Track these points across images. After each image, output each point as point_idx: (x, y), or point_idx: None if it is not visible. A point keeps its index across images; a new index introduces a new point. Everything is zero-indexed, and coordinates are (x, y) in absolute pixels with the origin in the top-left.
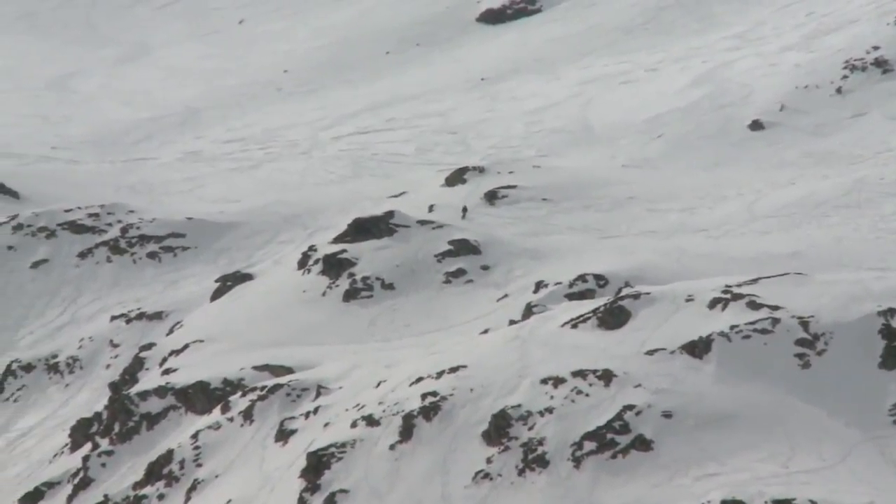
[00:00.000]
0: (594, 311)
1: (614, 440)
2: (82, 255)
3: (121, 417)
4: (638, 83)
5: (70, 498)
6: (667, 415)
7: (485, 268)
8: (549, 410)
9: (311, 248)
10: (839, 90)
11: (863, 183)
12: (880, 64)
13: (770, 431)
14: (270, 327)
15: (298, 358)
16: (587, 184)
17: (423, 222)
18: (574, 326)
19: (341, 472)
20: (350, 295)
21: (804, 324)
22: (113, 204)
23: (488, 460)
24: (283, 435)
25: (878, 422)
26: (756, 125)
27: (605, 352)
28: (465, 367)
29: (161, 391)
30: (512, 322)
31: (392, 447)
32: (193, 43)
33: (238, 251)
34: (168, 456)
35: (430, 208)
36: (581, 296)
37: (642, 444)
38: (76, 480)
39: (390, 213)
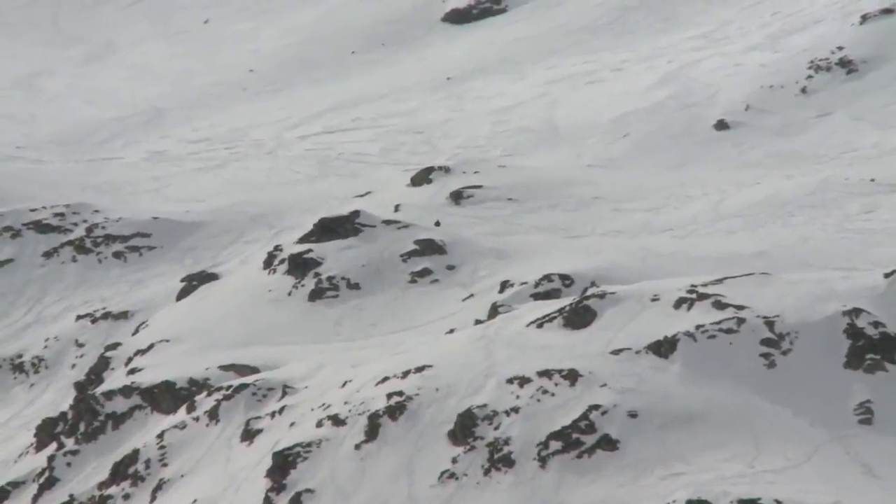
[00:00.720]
0: (560, 311)
1: (580, 440)
2: (47, 254)
3: (86, 417)
4: (603, 83)
5: (35, 497)
6: (632, 414)
7: (450, 267)
8: (515, 410)
9: (277, 248)
10: (804, 90)
11: (828, 183)
12: (845, 64)
13: (735, 431)
14: (236, 327)
15: (264, 358)
16: (553, 183)
17: (388, 222)
18: (540, 326)
19: (307, 471)
20: (316, 294)
21: (769, 323)
22: (78, 203)
23: (454, 460)
24: (249, 435)
25: (844, 421)
26: (721, 125)
27: (571, 351)
28: (430, 366)
29: (126, 391)
30: (478, 322)
31: (358, 447)
32: (159, 42)
33: (204, 251)
34: (133, 456)
35: (396, 208)
36: (547, 295)
37: (608, 443)
38: (41, 480)
39: (356, 213)
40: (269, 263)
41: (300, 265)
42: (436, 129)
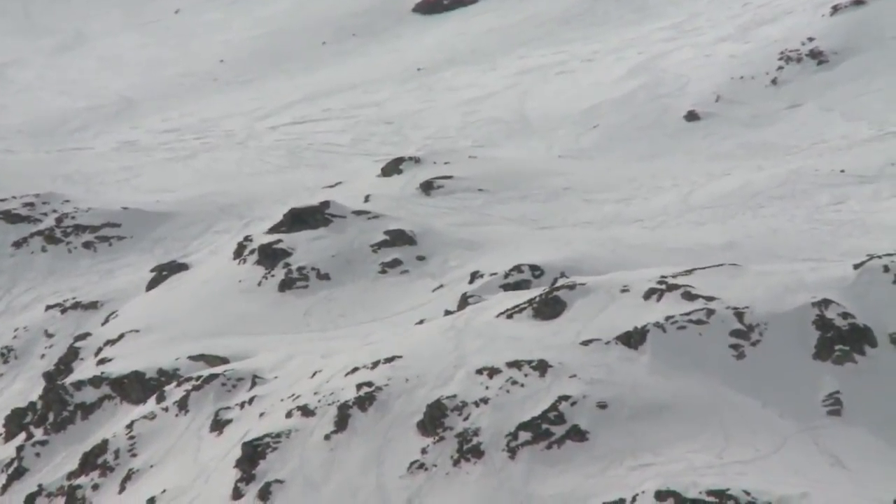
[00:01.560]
0: (529, 302)
1: (549, 431)
2: (17, 244)
3: (55, 407)
4: (574, 74)
5: (4, 488)
6: (602, 405)
7: (420, 258)
8: (485, 401)
9: (247, 238)
10: (774, 81)
11: (798, 174)
12: (815, 55)
13: (705, 422)
14: (206, 317)
15: (234, 348)
16: (523, 174)
17: (358, 212)
18: (509, 317)
19: (276, 462)
20: (286, 285)
21: (739, 315)
22: (48, 193)
23: (423, 451)
24: (219, 425)
25: (813, 413)
26: (692, 116)
27: (541, 342)
28: (400, 357)
29: (96, 381)
30: (447, 312)
31: (327, 437)
32: (130, 32)
33: (174, 241)
34: (103, 446)
35: (367, 198)
36: (516, 286)
37: (577, 434)
38: (10, 470)
39: (326, 204)
40: (239, 254)
41: (270, 255)
42: (406, 120)
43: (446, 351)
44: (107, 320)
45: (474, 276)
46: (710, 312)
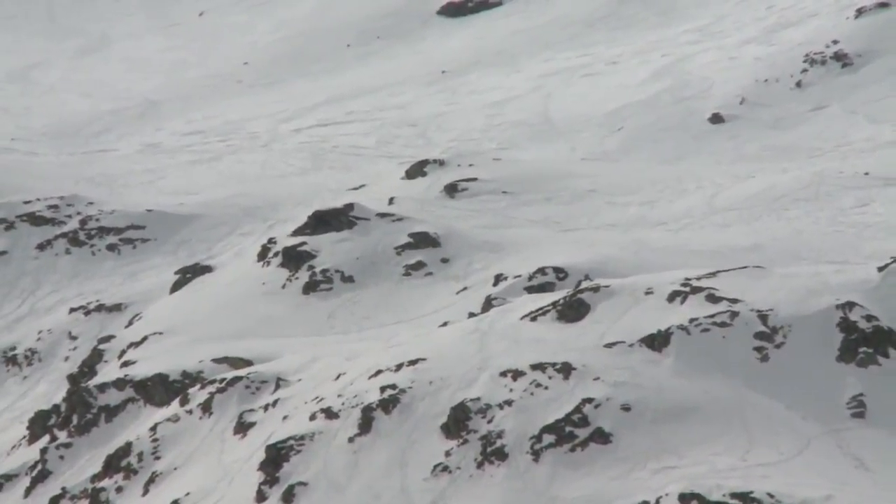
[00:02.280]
0: (553, 304)
1: (573, 433)
2: (41, 246)
3: (79, 410)
4: (599, 76)
5: (28, 490)
6: (625, 408)
7: (444, 260)
8: (508, 403)
9: (271, 241)
10: (799, 84)
11: (822, 176)
12: (840, 58)
13: (728, 424)
14: (230, 319)
15: (258, 350)
16: (547, 177)
17: (382, 215)
18: (533, 319)
19: (300, 464)
20: (310, 287)
21: (763, 317)
22: (72, 196)
23: (447, 453)
24: (242, 427)
25: (836, 415)
26: (716, 118)
27: (565, 345)
28: (424, 359)
29: (120, 383)
30: (471, 315)
31: (351, 440)
32: (154, 35)
33: (198, 243)
34: (126, 448)
35: (391, 201)
36: (540, 289)
37: (601, 437)
38: (34, 473)
39: (350, 206)
40: (263, 256)
41: (294, 258)
42: (430, 122)
43: (470, 353)
44: (131, 322)
45: (498, 278)
46: (734, 315)
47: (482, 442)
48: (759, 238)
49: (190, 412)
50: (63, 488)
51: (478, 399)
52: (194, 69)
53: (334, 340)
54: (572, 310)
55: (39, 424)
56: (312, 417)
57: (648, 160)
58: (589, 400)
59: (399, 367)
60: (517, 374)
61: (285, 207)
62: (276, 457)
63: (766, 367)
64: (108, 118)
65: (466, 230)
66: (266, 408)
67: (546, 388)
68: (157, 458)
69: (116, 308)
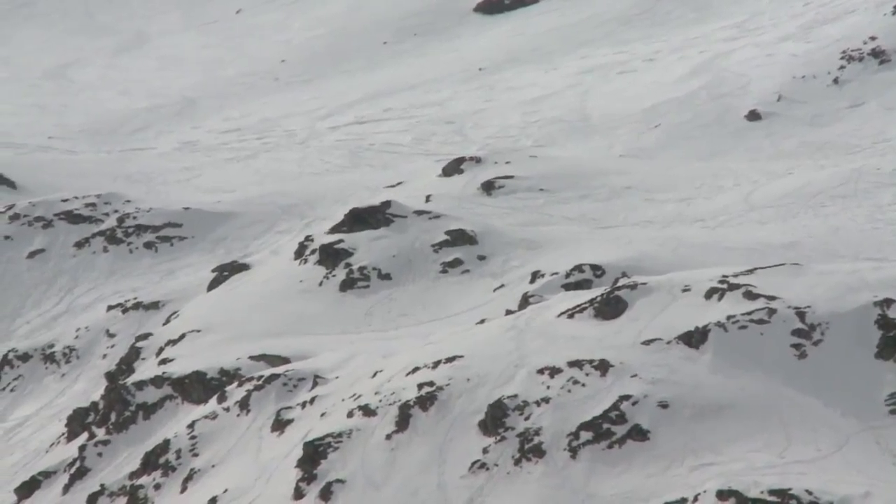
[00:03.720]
0: (591, 302)
1: (610, 430)
2: (79, 244)
3: (117, 407)
4: (635, 73)
5: (66, 487)
6: (663, 405)
7: (481, 258)
8: (546, 400)
9: (308, 239)
10: (836, 80)
11: (860, 173)
12: (877, 54)
13: (766, 422)
14: (267, 317)
15: (295, 348)
16: (584, 174)
17: (420, 212)
18: (570, 316)
19: (337, 462)
20: (347, 285)
21: (800, 314)
22: (109, 194)
23: (484, 450)
24: (280, 425)
25: (875, 412)
26: (753, 115)
27: (602, 342)
28: (461, 356)
29: (157, 381)
30: (508, 312)
31: (388, 437)
32: (190, 33)
33: (235, 241)
34: (164, 446)
35: (428, 198)
36: (577, 286)
37: (638, 434)
38: (72, 470)
39: (387, 203)
40: (300, 254)
41: (331, 255)
42: (467, 120)
43: (507, 350)
44: (168, 320)
45: (535, 275)
46: (772, 312)
47: (519, 439)
48: (795, 235)
49: (227, 409)
50: (101, 485)
51: (515, 396)
52: (231, 67)
53: (371, 338)
54: (609, 307)
55: (78, 422)
56: (350, 415)
57: (685, 157)
58: (626, 397)
59: (436, 364)
60: (554, 372)
61: (322, 205)
62: (313, 454)
63: (803, 365)
64: (145, 116)
65: (503, 227)
66: (303, 405)
67: (583, 385)
68: (195, 455)
69: (154, 306)
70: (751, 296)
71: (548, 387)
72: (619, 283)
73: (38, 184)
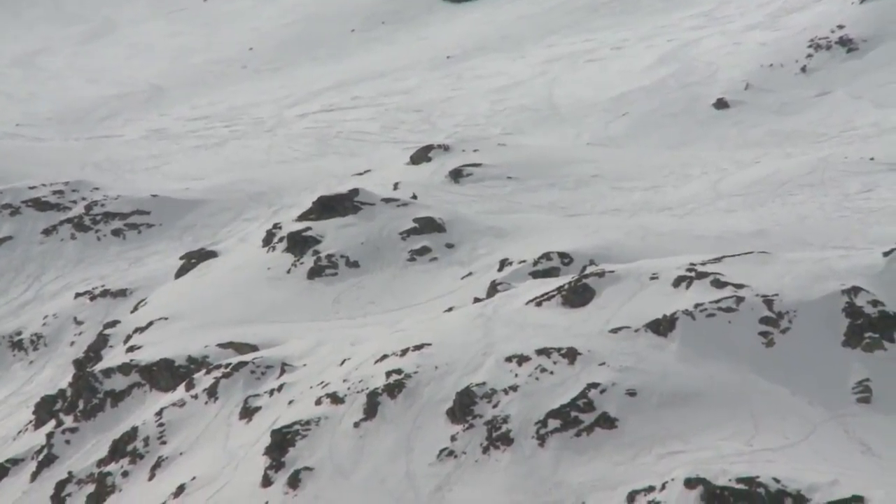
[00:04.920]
0: (558, 290)
1: (578, 418)
2: (46, 232)
3: (85, 395)
4: (603, 61)
5: (34, 475)
6: (631, 393)
7: (449, 246)
8: (514, 388)
9: (276, 226)
10: (804, 69)
11: (827, 161)
12: (845, 43)
13: (734, 410)
14: (235, 305)
15: (263, 335)
16: (552, 162)
17: (387, 200)
18: (538, 304)
19: (305, 449)
20: (315, 272)
21: (768, 302)
22: (77, 181)
23: (453, 438)
24: (248, 412)
25: (842, 400)
26: (721, 104)
27: (570, 330)
28: (429, 344)
29: (125, 368)
30: (476, 300)
31: (356, 425)
32: (159, 20)
33: (203, 228)
34: (132, 433)
35: (395, 186)
36: (545, 274)
37: (606, 422)
38: (40, 457)
39: (355, 191)
40: (268, 241)
41: (299, 243)
42: (435, 108)
43: (475, 338)
44: (136, 308)
45: (503, 263)
46: (740, 300)
47: (487, 427)
48: (763, 223)
49: (195, 397)
50: (69, 472)
51: (483, 384)
52: (199, 55)
53: (339, 325)
54: (577, 295)
55: (45, 409)
56: (318, 402)
57: (653, 145)
58: (594, 385)
59: (404, 352)
60: (522, 360)
61: (290, 193)
62: (281, 442)
63: (771, 353)
64: (114, 103)
65: (471, 215)
66: (271, 393)
67: (551, 373)
68: (163, 442)
69: (122, 293)
70: (719, 284)
71: (516, 375)
72: (587, 272)
73: (6, 171)
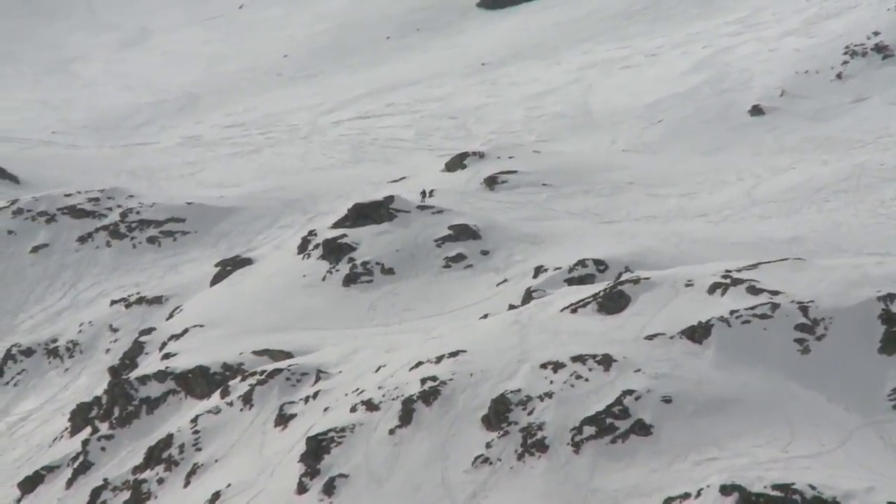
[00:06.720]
0: (594, 296)
1: (614, 425)
2: (82, 239)
3: (120, 402)
4: (638, 68)
5: (70, 482)
6: (666, 400)
7: (484, 253)
8: (549, 395)
9: (311, 233)
10: (839, 75)
11: (862, 168)
12: (880, 49)
13: (769, 416)
14: (270, 312)
15: (298, 342)
16: (587, 169)
17: (422, 207)
18: (573, 311)
19: (341, 456)
20: (350, 280)
21: (804, 309)
22: (113, 188)
23: (488, 445)
24: (283, 419)
25: (878, 407)
26: (756, 110)
27: (605, 337)
28: (464, 351)
29: (161, 376)
30: (511, 307)
31: (391, 432)
32: (193, 28)
33: (238, 236)
34: (167, 440)
35: (423, 193)
36: (580, 281)
37: (642, 429)
38: (76, 464)
39: (390, 198)
40: (303, 248)
41: (334, 250)
42: (470, 115)
43: (510, 345)
44: (171, 315)
45: (538, 270)
46: (775, 307)
47: (523, 434)
48: (798, 230)
49: (231, 404)
50: (105, 479)
51: (518, 391)
52: (233, 62)
53: (374, 332)
54: (612, 302)
55: (81, 416)
56: (353, 409)
57: (688, 152)
58: (630, 392)
59: (439, 359)
60: (558, 366)
61: (325, 200)
62: (316, 449)
63: (807, 359)
64: (148, 111)
65: (506, 222)
66: (307, 400)
67: (587, 379)
68: (199, 449)
69: (157, 300)
70: (754, 291)
71: (551, 381)
72: (623, 278)
73: (42, 179)
